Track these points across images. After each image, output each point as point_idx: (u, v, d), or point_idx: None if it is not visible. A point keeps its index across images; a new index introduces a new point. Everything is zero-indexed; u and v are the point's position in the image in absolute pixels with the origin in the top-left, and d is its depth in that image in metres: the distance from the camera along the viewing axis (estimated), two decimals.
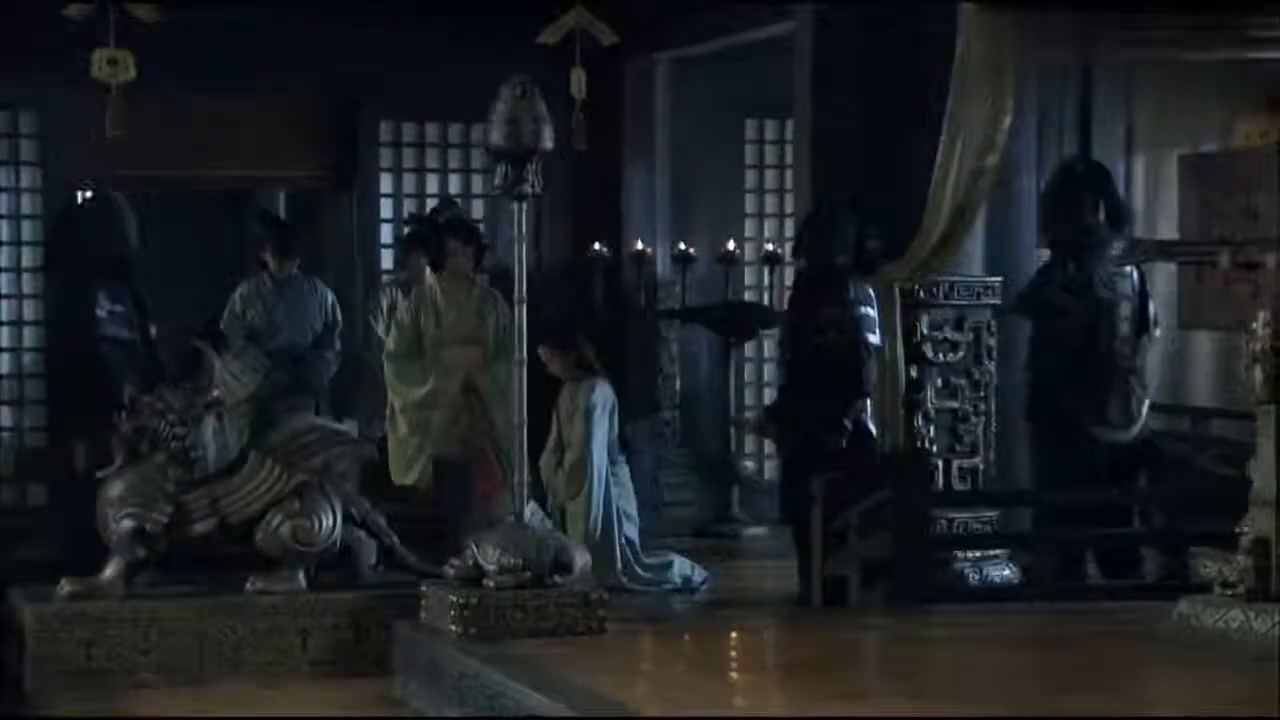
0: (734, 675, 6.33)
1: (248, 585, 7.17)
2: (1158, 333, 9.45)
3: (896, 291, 9.35)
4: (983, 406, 9.72)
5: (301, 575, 7.17)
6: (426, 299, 9.10)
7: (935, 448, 9.47)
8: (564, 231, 12.72)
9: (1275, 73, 9.58)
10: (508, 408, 7.97)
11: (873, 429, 9.22)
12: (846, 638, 6.89)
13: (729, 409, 12.10)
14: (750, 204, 12.92)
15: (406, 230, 10.81)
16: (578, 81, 10.30)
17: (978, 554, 8.98)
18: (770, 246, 12.31)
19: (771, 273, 12.24)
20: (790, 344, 9.49)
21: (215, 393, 7.25)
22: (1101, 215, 9.17)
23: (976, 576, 8.92)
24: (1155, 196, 12.59)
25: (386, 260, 12.84)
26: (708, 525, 11.69)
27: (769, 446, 12.60)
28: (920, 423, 9.59)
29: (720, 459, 12.16)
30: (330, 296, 10.39)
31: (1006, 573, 9.09)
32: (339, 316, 10.32)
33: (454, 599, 6.49)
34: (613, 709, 5.37)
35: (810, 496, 8.72)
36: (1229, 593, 6.28)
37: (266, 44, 11.31)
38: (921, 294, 9.43)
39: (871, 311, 9.26)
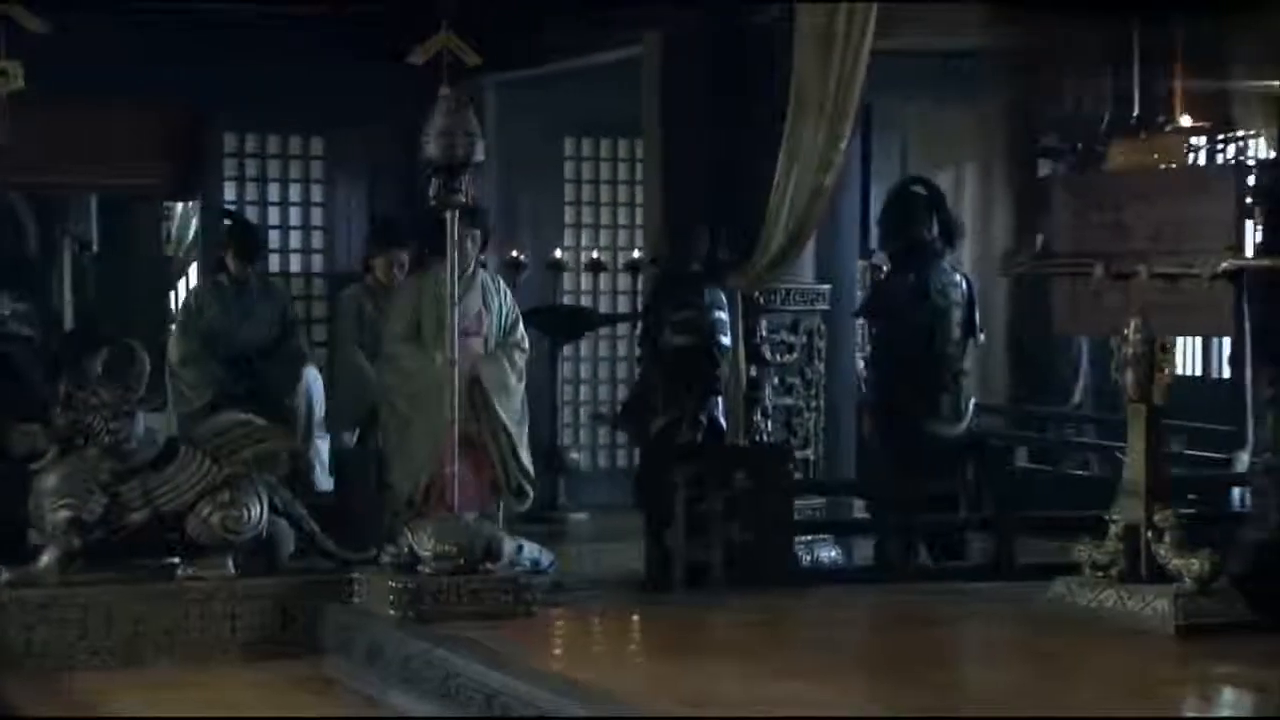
0: (679, 654, 6.28)
1: (179, 572, 6.99)
2: (982, 337, 9.69)
3: (739, 297, 9.51)
4: (814, 403, 9.89)
5: (230, 562, 7.01)
6: (428, 287, 8.09)
7: (773, 440, 9.63)
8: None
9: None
10: (510, 400, 7.87)
11: (724, 424, 9.35)
12: (755, 618, 6.86)
13: (555, 404, 12.14)
14: (570, 215, 13.00)
15: (371, 231, 10.31)
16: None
17: (809, 536, 9.09)
18: (596, 255, 12.37)
19: (595, 278, 12.36)
20: (648, 344, 9.56)
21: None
22: (935, 230, 9.40)
23: (808, 557, 9.03)
24: None
25: None
26: (536, 512, 11.71)
27: (600, 438, 12.83)
28: (759, 418, 9.73)
29: (548, 449, 12.20)
30: (287, 298, 10.01)
31: (834, 554, 9.24)
32: (295, 318, 9.86)
33: (393, 584, 6.40)
34: (580, 689, 5.32)
35: (673, 485, 8.76)
36: (1100, 574, 6.41)
37: (115, 55, 11.05)
38: (760, 300, 9.58)
39: (724, 315, 9.35)
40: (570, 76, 11.45)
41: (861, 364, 10.28)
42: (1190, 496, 9.75)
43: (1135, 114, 9.90)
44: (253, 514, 6.99)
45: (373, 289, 9.49)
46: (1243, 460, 10.03)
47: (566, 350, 12.39)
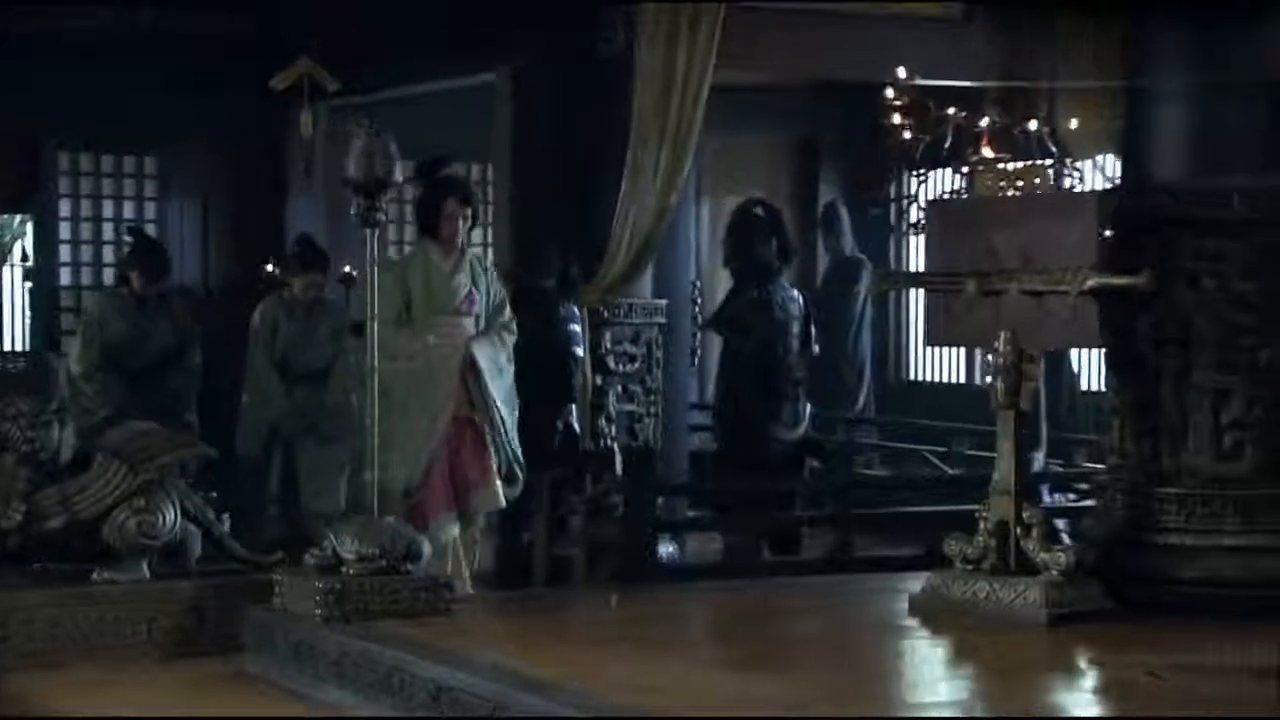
0: (610, 645, 6.17)
1: (94, 576, 6.76)
2: (816, 349, 9.84)
3: (586, 311, 9.60)
4: (654, 409, 10.01)
5: (145, 566, 6.80)
6: (417, 268, 7.56)
7: (616, 445, 9.71)
8: (232, 254, 12.53)
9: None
10: (502, 382, 7.54)
11: (577, 429, 9.40)
12: (655, 611, 6.82)
13: None
14: (393, 233, 12.96)
15: (295, 244, 10.04)
16: (306, 122, 10.11)
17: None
18: None
19: None
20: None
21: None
22: (775, 249, 9.54)
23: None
24: (714, 236, 13.15)
25: (65, 277, 12.54)
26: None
27: None
28: (604, 423, 9.79)
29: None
30: (187, 314, 9.72)
31: (671, 550, 9.31)
32: (195, 333, 9.57)
33: (318, 585, 6.26)
34: (535, 682, 5.26)
35: (536, 486, 8.75)
36: (971, 568, 6.53)
37: None
38: (605, 314, 9.68)
39: (577, 328, 9.42)
40: (402, 103, 11.38)
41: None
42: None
43: (947, 145, 10.20)
44: (167, 519, 6.79)
45: (289, 303, 9.34)
46: (1038, 460, 10.33)
47: None
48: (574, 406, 9.43)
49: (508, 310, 7.75)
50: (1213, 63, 6.76)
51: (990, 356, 6.47)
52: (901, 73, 10.18)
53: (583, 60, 9.87)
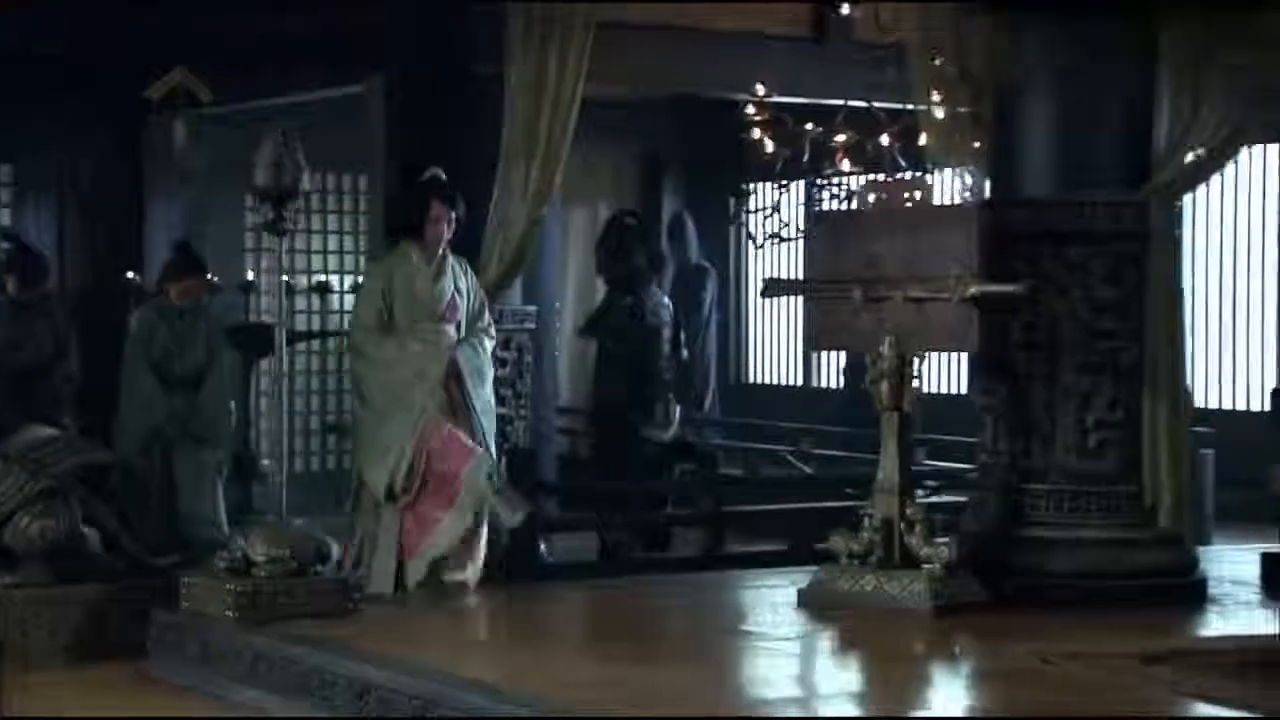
0: (525, 642, 6.18)
1: None
2: (684, 354, 9.87)
3: None
4: (524, 413, 9.93)
5: (47, 570, 6.60)
6: (400, 271, 7.13)
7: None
8: (88, 261, 12.25)
9: None
10: (484, 387, 7.24)
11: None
12: (557, 607, 6.78)
13: (249, 414, 11.85)
14: (250, 240, 12.78)
15: (172, 250, 9.68)
16: (180, 131, 9.97)
17: None
18: (322, 277, 12.20)
19: (323, 299, 12.14)
20: None
21: None
22: (646, 257, 9.56)
23: None
24: (568, 245, 13.18)
25: None
26: (234, 516, 11.44)
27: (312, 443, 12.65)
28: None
29: (241, 458, 11.93)
30: (63, 319, 9.43)
31: (543, 548, 9.29)
32: (70, 339, 9.30)
33: (229, 587, 6.11)
34: (465, 680, 5.18)
35: None
36: (857, 562, 6.58)
37: None
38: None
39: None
40: (256, 114, 11.21)
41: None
42: (848, 490, 10.17)
43: (806, 158, 10.27)
44: (68, 523, 6.61)
45: (166, 309, 9.13)
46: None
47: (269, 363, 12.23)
48: None
49: (487, 314, 7.45)
50: (1075, 85, 6.89)
51: (874, 360, 6.55)
52: (760, 89, 10.28)
53: (456, 73, 9.80)
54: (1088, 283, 6.74)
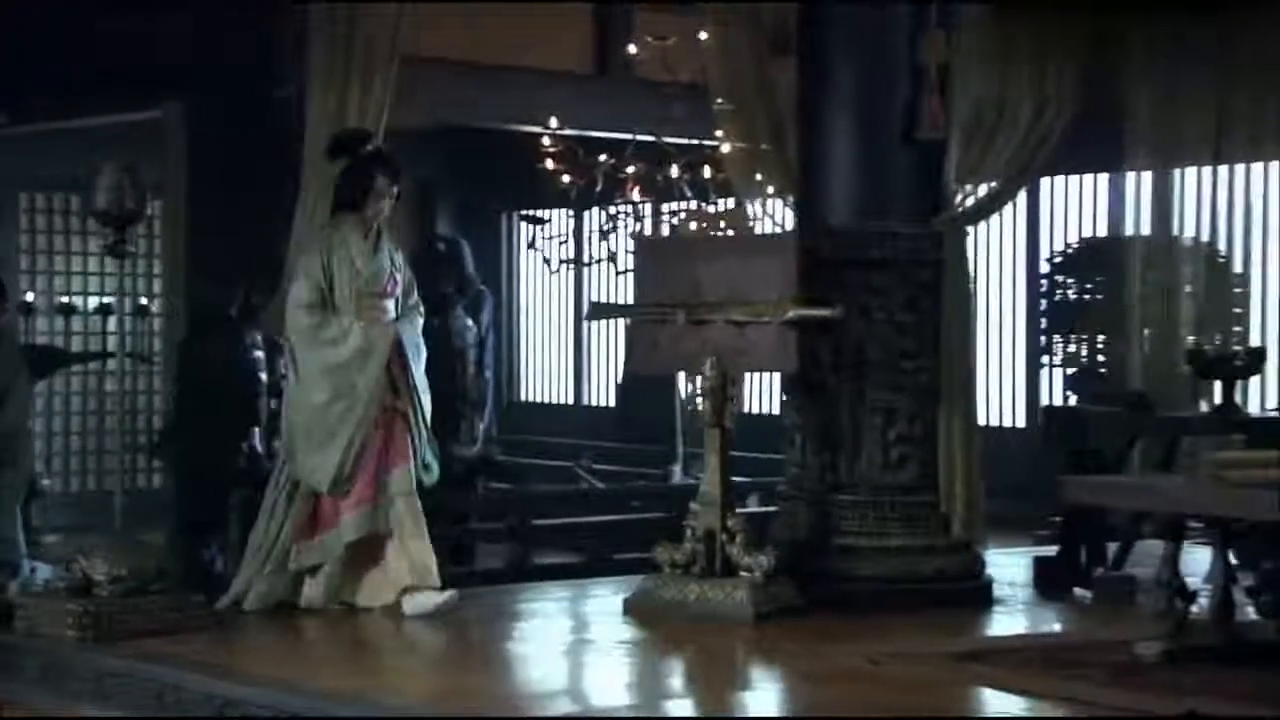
0: (380, 655, 6.03)
1: None
2: (488, 374, 9.78)
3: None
4: None
5: None
6: (339, 246, 6.57)
7: None
8: None
9: None
10: (419, 366, 6.68)
11: (260, 450, 9.14)
12: (396, 619, 6.59)
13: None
14: (24, 263, 12.38)
15: None
16: None
17: None
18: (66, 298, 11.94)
19: (104, 321, 11.71)
20: (188, 379, 9.26)
21: None
22: (453, 284, 9.45)
23: None
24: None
25: None
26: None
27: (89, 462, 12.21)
28: (277, 445, 9.54)
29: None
30: None
31: None
32: None
33: (70, 607, 5.81)
34: (322, 692, 5.01)
35: (229, 507, 8.43)
36: (680, 571, 6.57)
37: None
38: (279, 340, 9.44)
39: (260, 354, 9.16)
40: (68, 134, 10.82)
41: None
42: (634, 503, 10.18)
43: (598, 188, 10.29)
44: None
45: None
46: (675, 473, 10.54)
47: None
48: (258, 429, 9.15)
49: (415, 293, 6.87)
50: (873, 122, 7.02)
51: (698, 380, 6.56)
52: (554, 122, 10.27)
53: (257, 98, 9.59)
54: (889, 307, 6.87)
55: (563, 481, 11.05)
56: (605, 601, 6.82)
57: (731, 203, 8.21)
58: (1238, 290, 9.22)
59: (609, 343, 14.21)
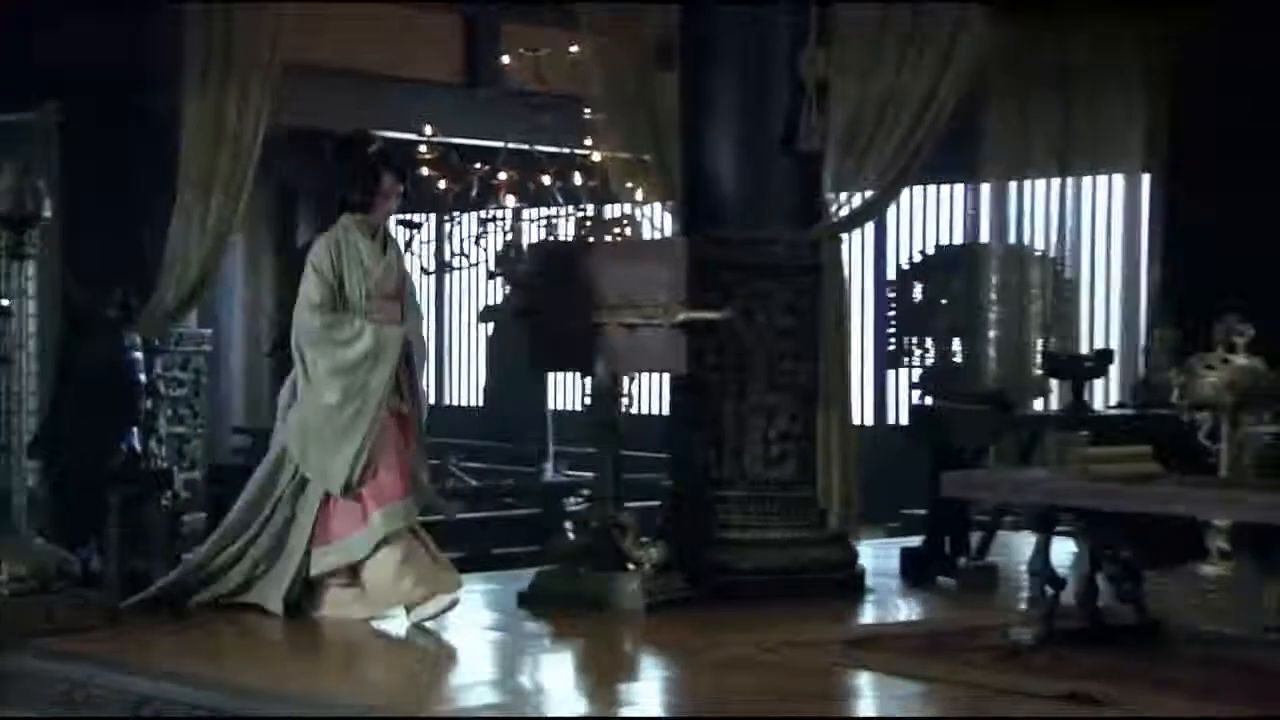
0: (294, 653, 5.91)
1: None
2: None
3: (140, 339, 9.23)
4: (200, 431, 9.63)
5: None
6: (350, 246, 6.30)
7: (166, 464, 9.35)
8: None
9: None
10: (423, 368, 6.45)
11: (139, 450, 8.99)
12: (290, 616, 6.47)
13: None
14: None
15: None
16: None
17: None
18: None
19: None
20: (66, 381, 9.03)
21: None
22: None
23: None
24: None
25: None
26: None
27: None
28: (154, 445, 9.41)
29: None
30: None
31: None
32: None
33: None
34: (243, 689, 4.91)
35: (106, 506, 8.24)
36: (574, 564, 6.54)
37: None
38: (158, 342, 9.32)
39: (139, 355, 8.99)
40: None
41: None
42: (508, 500, 10.14)
43: (472, 193, 10.24)
44: None
45: None
46: (547, 470, 10.52)
47: None
48: (137, 430, 8.98)
49: (415, 293, 6.66)
50: (754, 132, 7.08)
51: (590, 381, 6.56)
52: (428, 130, 10.20)
53: (134, 100, 9.39)
54: (770, 311, 6.93)
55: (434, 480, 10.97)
56: (495, 595, 6.78)
57: (623, 209, 8.24)
58: (1069, 297, 9.52)
59: (473, 345, 14.17)
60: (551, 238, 9.21)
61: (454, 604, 6.18)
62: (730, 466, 6.92)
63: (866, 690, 5.47)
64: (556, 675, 5.78)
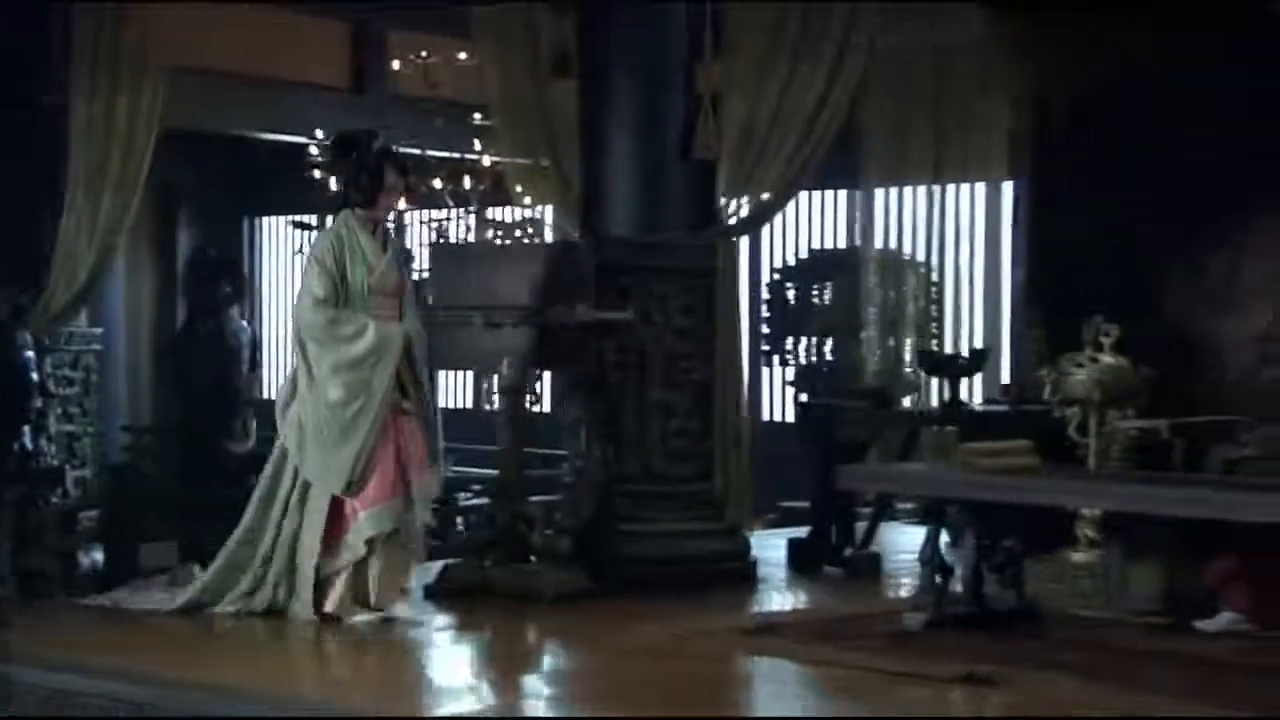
0: (201, 647, 5.76)
1: None
2: (260, 372, 9.55)
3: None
4: (90, 429, 9.48)
5: None
6: (351, 243, 6.06)
7: (57, 462, 9.22)
8: None
9: None
10: (424, 364, 6.22)
11: (30, 449, 8.86)
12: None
13: None
14: None
15: None
16: None
17: None
18: None
19: None
20: None
21: None
22: (229, 287, 9.22)
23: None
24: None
25: None
26: None
27: None
28: (45, 443, 9.25)
29: None
30: None
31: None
32: None
33: None
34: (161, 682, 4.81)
35: (2, 504, 8.08)
36: (482, 556, 6.53)
37: None
38: (48, 341, 9.20)
39: (31, 354, 8.85)
40: None
41: None
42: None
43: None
44: None
45: None
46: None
47: None
48: (28, 428, 8.79)
49: (415, 292, 6.45)
50: (649, 139, 7.12)
51: (495, 378, 6.54)
52: (319, 133, 10.08)
53: (22, 101, 9.18)
54: (668, 312, 6.96)
55: None
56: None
57: (523, 214, 8.22)
58: (936, 299, 9.71)
59: None
60: (443, 240, 9.17)
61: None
62: (630, 461, 6.94)
63: (772, 675, 5.51)
64: (459, 669, 5.71)
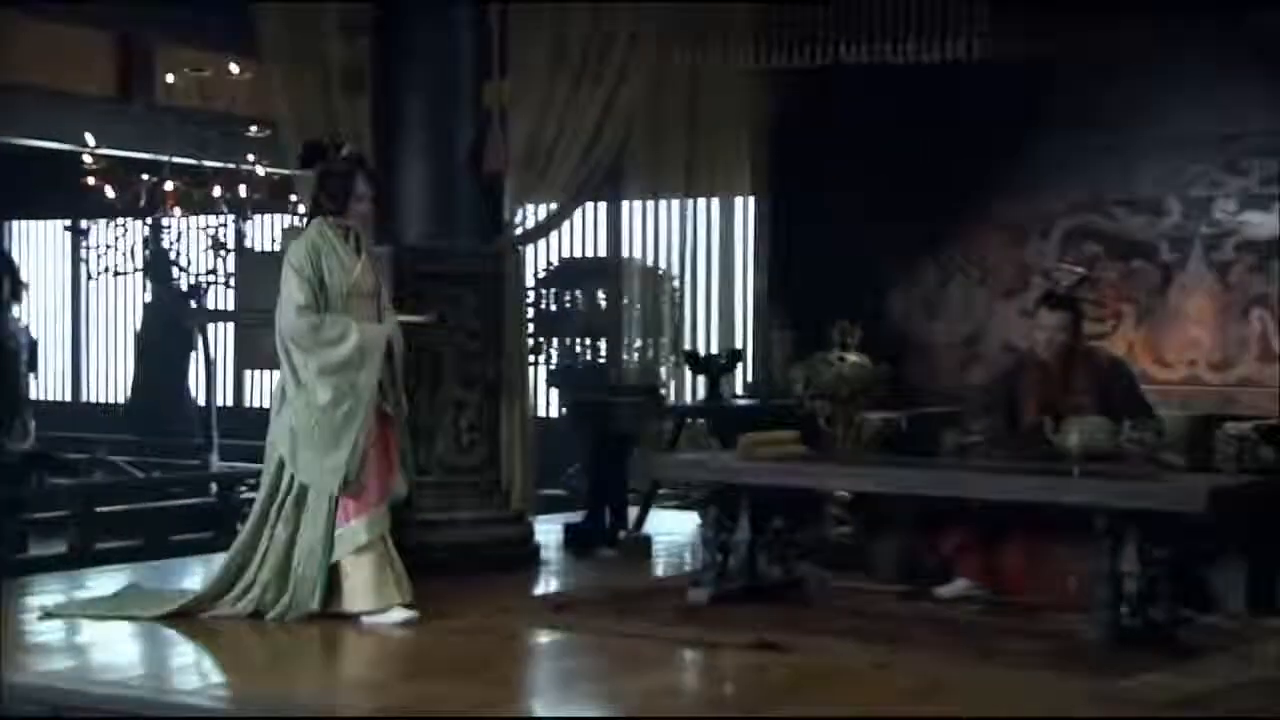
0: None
1: None
2: (35, 374, 9.18)
3: None
4: None
5: None
6: (326, 249, 5.88)
7: None
8: None
9: None
10: (400, 371, 5.98)
11: None
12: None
13: None
14: None
15: None
16: None
17: None
18: None
19: None
20: None
21: None
22: (8, 288, 8.83)
23: None
24: None
25: None
26: None
27: None
28: None
29: None
30: None
31: None
32: None
33: None
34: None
35: None
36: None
37: None
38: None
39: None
40: None
41: None
42: (175, 489, 9.80)
43: (141, 203, 9.86)
44: None
45: None
46: (213, 461, 10.22)
47: None
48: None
49: (389, 294, 6.25)
50: (439, 151, 7.16)
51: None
52: (90, 140, 9.76)
53: None
54: (460, 315, 7.02)
55: (102, 473, 10.49)
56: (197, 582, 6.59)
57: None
58: (679, 303, 10.02)
59: (109, 344, 13.64)
60: (223, 246, 9.00)
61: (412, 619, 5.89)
62: (424, 454, 6.97)
63: (582, 647, 5.64)
64: (269, 659, 5.61)
